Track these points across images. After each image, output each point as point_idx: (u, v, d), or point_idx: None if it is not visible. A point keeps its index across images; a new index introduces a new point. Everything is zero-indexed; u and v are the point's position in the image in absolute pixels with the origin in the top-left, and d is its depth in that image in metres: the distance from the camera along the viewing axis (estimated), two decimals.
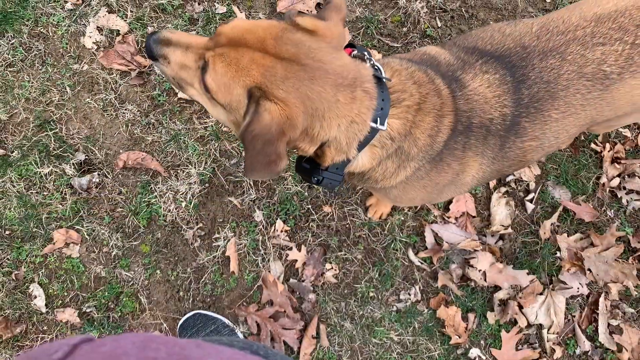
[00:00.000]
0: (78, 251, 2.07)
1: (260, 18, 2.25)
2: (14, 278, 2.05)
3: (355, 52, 1.21)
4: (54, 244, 2.07)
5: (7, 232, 2.08)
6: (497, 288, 2.11)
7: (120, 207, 2.11)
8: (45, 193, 2.10)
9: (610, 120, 1.46)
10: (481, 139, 1.26)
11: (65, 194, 2.10)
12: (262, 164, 1.03)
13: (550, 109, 1.27)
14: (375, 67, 1.17)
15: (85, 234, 2.08)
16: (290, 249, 2.11)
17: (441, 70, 1.28)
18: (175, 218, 2.11)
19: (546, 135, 1.31)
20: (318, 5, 2.24)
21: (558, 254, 2.15)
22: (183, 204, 2.11)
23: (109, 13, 2.21)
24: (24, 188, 2.10)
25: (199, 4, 2.24)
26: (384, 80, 1.15)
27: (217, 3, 2.24)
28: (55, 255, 2.07)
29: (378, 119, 1.11)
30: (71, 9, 2.22)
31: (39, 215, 2.08)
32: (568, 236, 2.16)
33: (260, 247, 2.11)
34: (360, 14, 2.28)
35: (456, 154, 1.26)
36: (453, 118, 1.22)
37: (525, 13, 2.34)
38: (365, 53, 1.19)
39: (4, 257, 2.05)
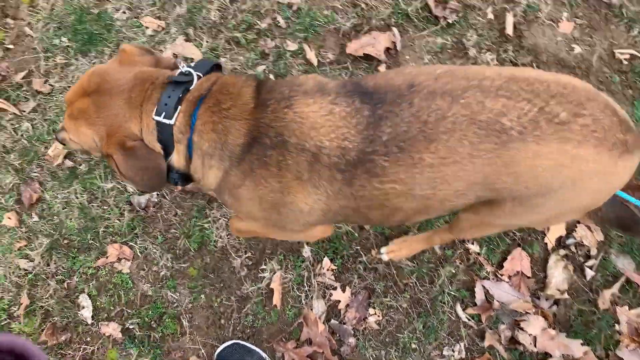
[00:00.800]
0: (129, 267, 2.12)
1: (329, 58, 2.29)
2: (66, 287, 2.11)
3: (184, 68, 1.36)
4: (107, 257, 2.12)
5: (66, 242, 2.15)
6: (547, 355, 2.00)
7: (174, 229, 2.15)
8: (105, 207, 2.17)
9: (525, 211, 1.29)
10: (305, 164, 1.21)
11: (124, 210, 2.17)
12: (148, 170, 1.31)
13: (424, 152, 1.15)
14: (185, 72, 1.31)
15: (138, 251, 2.13)
16: (335, 288, 2.09)
17: (275, 87, 1.29)
18: (226, 245, 2.13)
19: (416, 180, 1.19)
20: (387, 50, 2.27)
21: (617, 327, 2.03)
22: None
23: (185, 41, 2.32)
24: (87, 200, 2.18)
25: (271, 40, 2.31)
26: (187, 82, 1.28)
27: (289, 40, 2.31)
28: (106, 269, 2.12)
29: (163, 113, 1.24)
30: (151, 35, 2.34)
31: (97, 228, 2.15)
32: (629, 309, 2.04)
33: (305, 284, 2.10)
34: (429, 62, 2.28)
35: (270, 169, 1.24)
36: (250, 125, 1.24)
37: (599, 73, 2.29)
38: (183, 64, 1.36)
39: (60, 265, 2.13)
